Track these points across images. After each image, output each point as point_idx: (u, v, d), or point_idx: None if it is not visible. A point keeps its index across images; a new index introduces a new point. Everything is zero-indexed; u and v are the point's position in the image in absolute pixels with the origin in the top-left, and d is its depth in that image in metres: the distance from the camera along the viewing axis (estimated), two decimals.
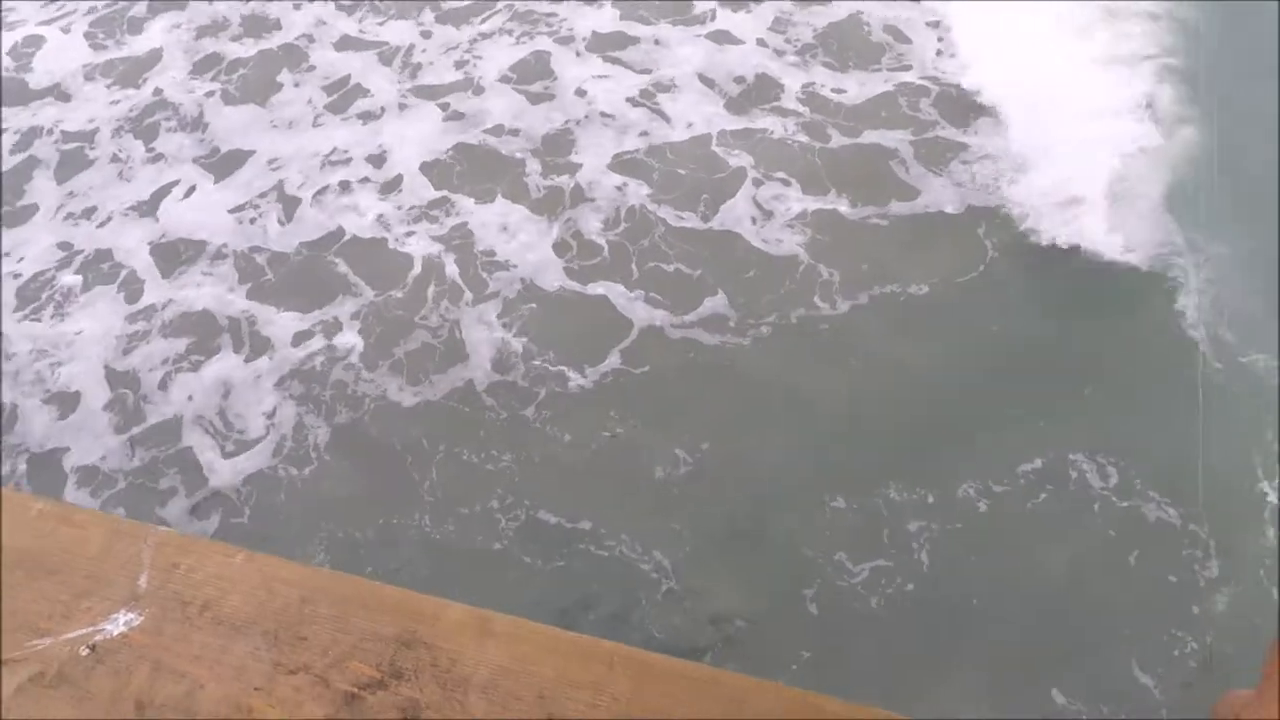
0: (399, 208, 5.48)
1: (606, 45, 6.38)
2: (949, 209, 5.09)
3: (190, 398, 4.61)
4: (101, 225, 5.42)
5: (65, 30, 6.64)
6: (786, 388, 4.39)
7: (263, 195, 5.60)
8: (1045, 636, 3.41)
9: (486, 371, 4.55)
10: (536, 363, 4.55)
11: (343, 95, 6.19)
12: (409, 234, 5.33)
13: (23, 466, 4.36)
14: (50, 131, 5.93)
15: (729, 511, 3.88)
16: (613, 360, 4.51)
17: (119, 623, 1.46)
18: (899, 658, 3.34)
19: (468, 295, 4.96)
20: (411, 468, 4.16)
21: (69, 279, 5.16)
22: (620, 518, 3.83)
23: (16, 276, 5.14)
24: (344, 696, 1.35)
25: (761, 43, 6.39)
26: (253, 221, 5.44)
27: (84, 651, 1.43)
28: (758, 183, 5.43)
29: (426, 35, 6.54)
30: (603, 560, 3.70)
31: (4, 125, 5.93)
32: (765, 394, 4.38)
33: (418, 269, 5.13)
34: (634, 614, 3.48)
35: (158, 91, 6.20)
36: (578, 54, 6.29)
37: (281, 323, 4.91)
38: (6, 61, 6.40)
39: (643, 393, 4.38)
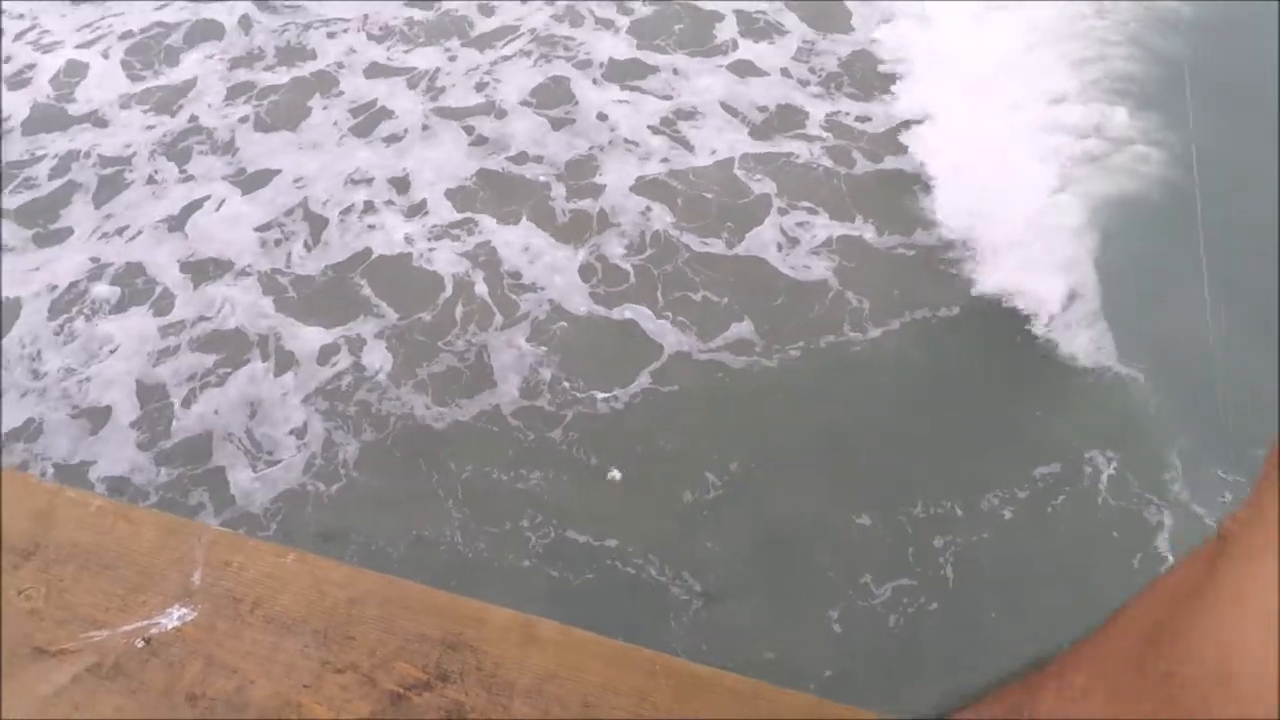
0: (425, 227, 5.58)
1: (625, 73, 6.51)
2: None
3: (217, 412, 4.68)
4: (131, 240, 5.54)
5: (105, 55, 6.84)
6: (815, 411, 4.42)
7: (289, 213, 5.72)
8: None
9: (513, 393, 4.59)
10: (564, 385, 4.59)
11: (370, 118, 6.34)
12: (434, 253, 5.42)
13: (50, 473, 4.42)
14: (88, 155, 6.09)
15: (756, 533, 3.90)
16: (642, 381, 4.55)
17: (173, 617, 1.49)
18: (925, 672, 3.33)
19: (493, 316, 5.02)
20: (439, 485, 4.20)
21: (100, 291, 5.27)
22: (649, 538, 3.85)
23: (52, 289, 5.25)
24: (390, 696, 1.37)
25: (785, 73, 6.50)
26: (278, 244, 5.55)
27: (139, 644, 1.45)
28: (783, 212, 5.51)
29: (452, 59, 6.70)
30: (631, 579, 3.72)
31: (44, 151, 6.10)
32: (794, 417, 4.41)
33: (443, 289, 5.20)
34: (663, 635, 3.49)
35: (193, 118, 6.37)
36: (594, 81, 6.42)
37: (307, 338, 4.98)
38: (48, 89, 6.59)
39: (670, 416, 4.41)
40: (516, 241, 5.45)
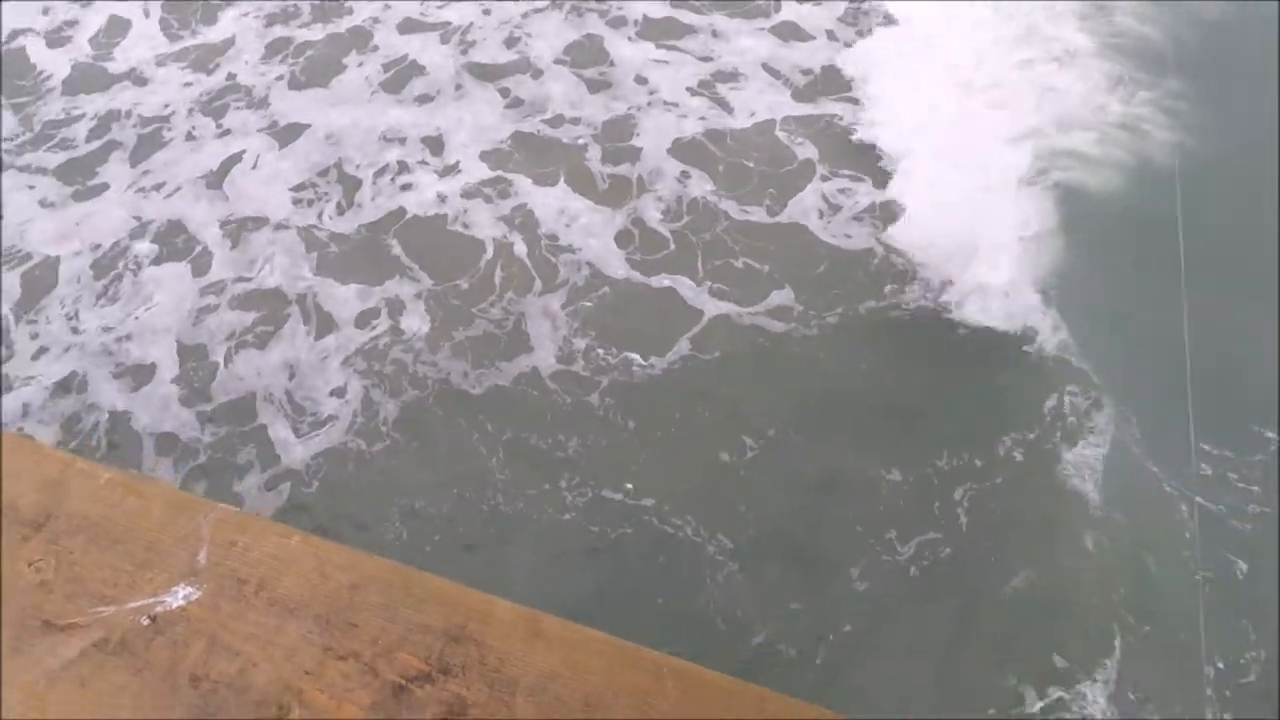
0: (459, 189, 5.53)
1: (661, 32, 6.32)
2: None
3: (259, 373, 4.74)
4: (170, 197, 5.59)
5: (145, 14, 6.85)
6: (854, 375, 4.36)
7: (324, 173, 5.71)
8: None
9: (550, 359, 4.60)
10: (599, 351, 4.58)
11: (402, 74, 6.27)
12: (470, 216, 5.37)
13: (100, 434, 4.53)
14: (128, 114, 6.13)
15: (790, 493, 3.92)
16: (681, 349, 4.53)
17: (178, 596, 1.48)
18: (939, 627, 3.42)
19: (530, 282, 4.98)
20: (480, 444, 4.22)
21: (141, 248, 5.34)
22: (686, 497, 3.88)
23: (95, 248, 5.33)
24: (391, 687, 1.35)
25: (831, 35, 6.24)
26: (312, 204, 5.55)
27: (145, 621, 1.45)
28: (825, 178, 5.34)
29: (486, 12, 6.57)
30: (668, 536, 3.75)
31: (82, 111, 6.15)
32: (833, 382, 4.38)
33: (480, 253, 5.17)
34: (698, 597, 3.54)
35: (230, 76, 6.35)
36: (629, 39, 6.25)
37: (346, 300, 5.00)
38: (87, 49, 6.63)
39: (710, 381, 4.38)
40: (554, 205, 5.38)
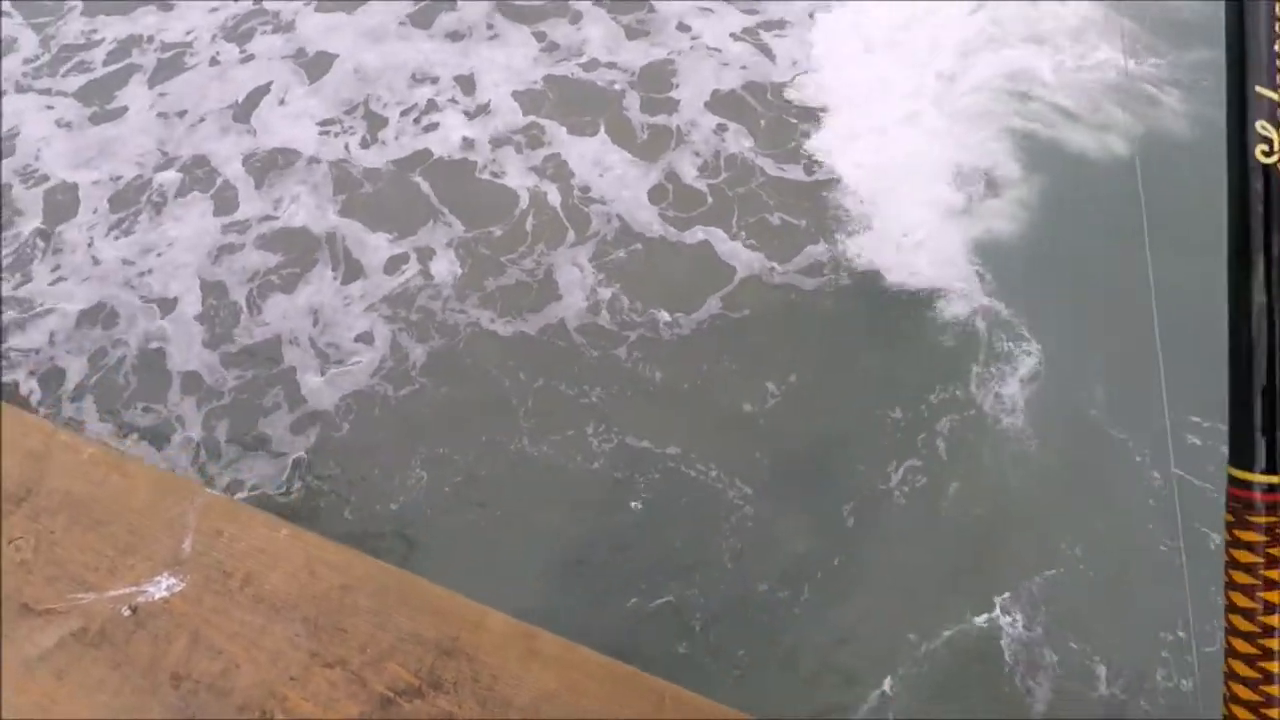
0: (491, 133, 5.33)
1: None
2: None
3: (285, 315, 4.67)
4: (194, 128, 5.45)
5: None
6: (883, 329, 4.23)
7: (351, 110, 5.52)
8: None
9: (581, 311, 4.50)
10: (625, 304, 4.48)
11: (430, 10, 6.00)
12: (502, 162, 5.19)
13: (128, 370, 4.50)
14: (150, 40, 5.95)
15: (809, 439, 3.95)
16: (711, 306, 4.43)
17: (161, 586, 1.41)
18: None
19: (562, 232, 4.83)
20: (509, 392, 4.19)
21: (163, 178, 5.23)
22: (708, 445, 3.90)
23: (115, 179, 5.23)
24: (379, 700, 1.27)
25: None
26: (338, 135, 5.38)
27: (125, 612, 1.39)
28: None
29: None
30: (690, 481, 3.82)
31: (101, 35, 5.97)
32: (863, 331, 4.25)
33: (512, 201, 5.00)
34: (714, 540, 3.63)
35: (256, 1, 6.12)
36: None
37: (373, 245, 4.89)
38: None
39: (739, 335, 4.33)
40: (588, 155, 5.18)
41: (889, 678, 3.33)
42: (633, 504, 3.78)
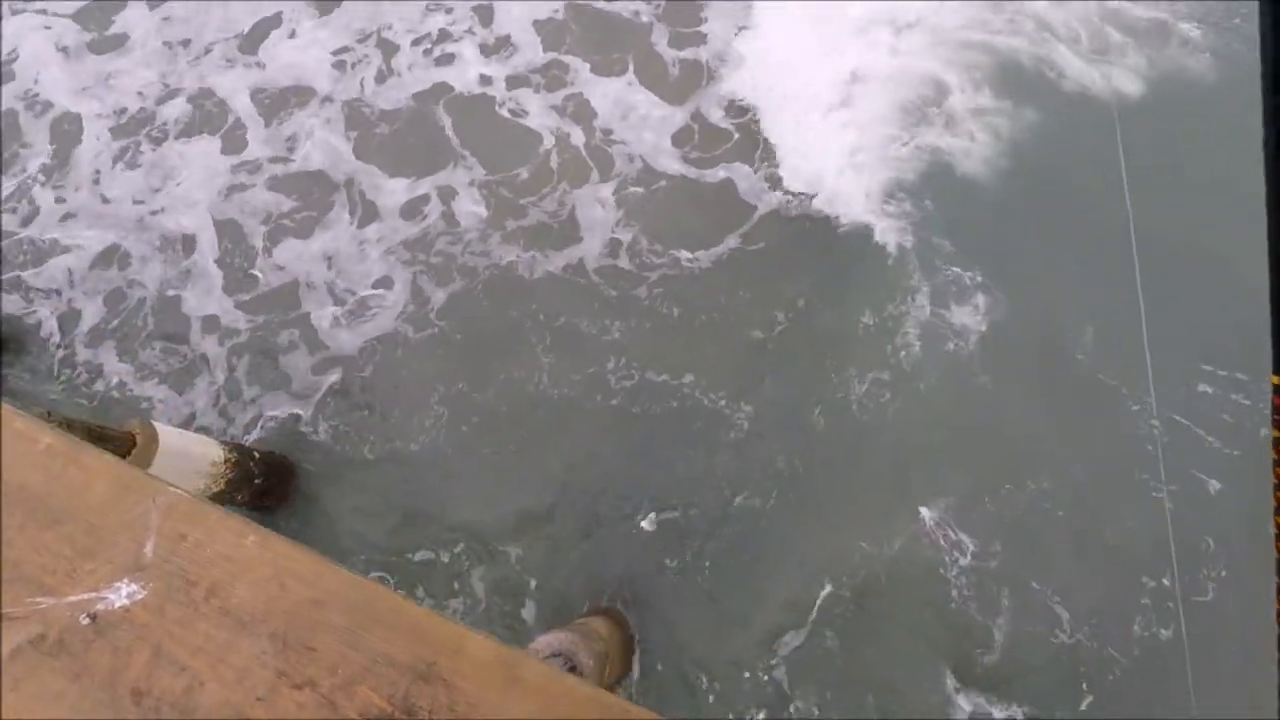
0: (512, 70, 5.06)
1: None
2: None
3: (300, 257, 4.56)
4: (198, 60, 5.23)
5: None
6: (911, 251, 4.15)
7: (363, 39, 5.26)
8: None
9: (599, 250, 4.35)
10: (647, 244, 4.35)
11: None
12: (523, 100, 4.94)
13: (147, 312, 4.44)
14: None
15: (811, 358, 4.03)
16: (730, 243, 4.34)
17: (121, 594, 1.32)
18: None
19: (585, 172, 4.63)
20: (530, 332, 4.20)
21: (168, 112, 5.05)
22: (717, 373, 4.05)
23: (119, 113, 5.06)
24: None
25: None
26: (353, 67, 5.14)
27: (84, 620, 1.30)
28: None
29: None
30: (699, 405, 3.97)
31: None
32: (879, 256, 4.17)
33: (534, 140, 4.79)
34: (713, 445, 3.85)
35: None
36: None
37: (389, 187, 4.74)
38: None
39: (755, 270, 4.31)
40: (611, 93, 4.91)
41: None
42: (643, 431, 3.90)
